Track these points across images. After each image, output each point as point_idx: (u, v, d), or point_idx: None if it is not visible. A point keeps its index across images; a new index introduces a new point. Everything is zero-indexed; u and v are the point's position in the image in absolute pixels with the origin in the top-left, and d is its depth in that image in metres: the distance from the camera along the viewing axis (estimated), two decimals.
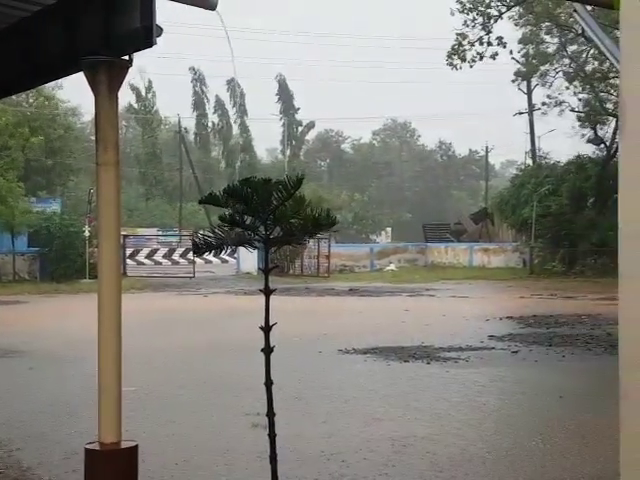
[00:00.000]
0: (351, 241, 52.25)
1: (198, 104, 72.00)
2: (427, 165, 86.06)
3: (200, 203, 4.94)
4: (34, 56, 5.01)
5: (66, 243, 30.90)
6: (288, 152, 72.79)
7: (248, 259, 35.06)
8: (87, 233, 30.67)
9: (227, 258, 38.98)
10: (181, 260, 37.29)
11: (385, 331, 15.43)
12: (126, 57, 4.44)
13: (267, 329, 5.03)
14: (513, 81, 40.08)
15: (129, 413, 8.06)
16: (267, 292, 5.05)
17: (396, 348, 12.83)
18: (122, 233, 40.09)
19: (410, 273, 36.62)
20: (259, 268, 30.36)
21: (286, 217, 4.87)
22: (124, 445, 4.44)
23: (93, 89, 4.43)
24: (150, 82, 67.03)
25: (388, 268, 39.45)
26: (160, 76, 68.94)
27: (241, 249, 38.65)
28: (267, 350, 5.03)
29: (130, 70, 4.45)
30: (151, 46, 4.38)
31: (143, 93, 67.42)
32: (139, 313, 19.31)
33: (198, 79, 71.63)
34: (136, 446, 4.50)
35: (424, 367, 11.13)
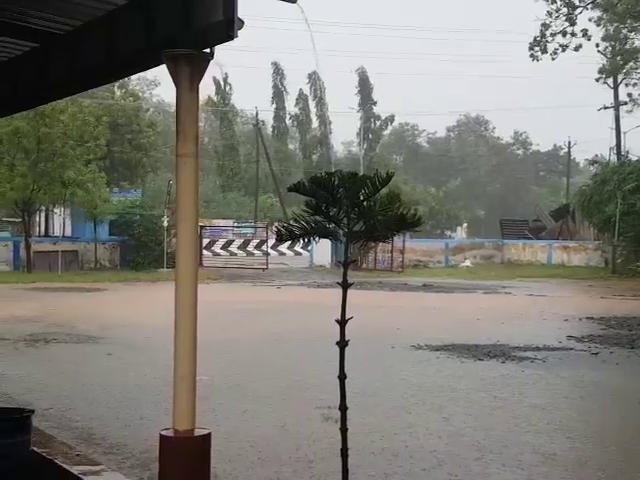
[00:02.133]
0: (426, 236, 51.84)
1: (277, 97, 72.54)
2: (504, 159, 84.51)
3: (289, 191, 4.99)
4: (116, 49, 5.12)
5: (146, 232, 31.64)
6: (365, 145, 72.62)
7: (322, 252, 35.26)
8: (166, 223, 31.33)
9: (300, 251, 39.26)
10: (255, 251, 37.69)
11: (459, 328, 15.26)
12: (207, 50, 4.49)
13: (343, 323, 5.01)
14: (597, 79, 38.89)
15: (202, 402, 8.28)
16: (345, 285, 5.04)
17: (470, 346, 12.66)
18: (199, 224, 41.16)
19: (486, 270, 36.12)
20: (338, 261, 30.55)
21: (372, 212, 4.88)
22: (197, 433, 4.51)
23: (175, 82, 4.49)
24: (227, 75, 67.90)
25: (463, 264, 38.99)
26: (239, 69, 69.80)
27: (315, 242, 38.89)
28: (342, 344, 5.01)
29: (211, 63, 4.51)
30: (232, 39, 4.41)
31: (222, 86, 68.37)
32: (213, 303, 19.65)
33: (278, 72, 72.16)
34: (209, 434, 4.56)
35: (499, 366, 10.95)
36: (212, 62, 4.53)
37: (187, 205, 4.56)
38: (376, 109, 74.10)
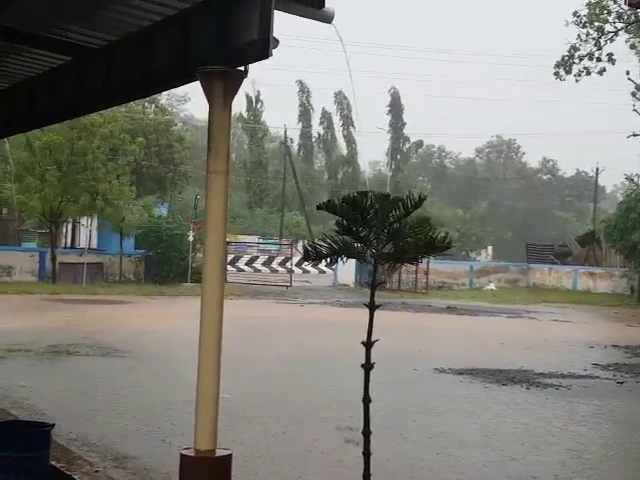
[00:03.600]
0: (451, 258, 51.53)
1: (304, 115, 72.82)
2: (531, 184, 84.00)
3: (318, 209, 4.94)
4: (151, 65, 5.14)
5: (171, 246, 31.75)
6: (392, 166, 72.55)
7: (346, 271, 35.14)
8: (191, 238, 31.42)
9: (325, 269, 39.18)
10: (280, 269, 37.65)
11: (483, 352, 15.09)
12: (242, 67, 4.48)
13: (369, 345, 4.96)
14: (634, 106, 38.49)
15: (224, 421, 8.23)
16: (372, 307, 4.99)
17: (494, 370, 12.50)
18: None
19: (510, 294, 35.78)
20: (364, 282, 30.33)
21: (402, 234, 4.83)
22: (219, 453, 4.46)
23: (208, 98, 4.49)
24: (259, 92, 68.33)
25: (488, 287, 38.66)
26: (268, 86, 70.27)
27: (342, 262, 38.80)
28: (367, 366, 4.95)
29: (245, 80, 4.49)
30: (267, 57, 4.40)
31: (253, 103, 68.81)
32: (237, 319, 19.64)
33: (304, 91, 72.50)
34: (230, 455, 4.50)
35: (523, 392, 10.78)
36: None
37: (216, 221, 4.54)
38: (405, 130, 74.08)
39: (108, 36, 5.56)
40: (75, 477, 5.59)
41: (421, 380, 11.67)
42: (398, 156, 73.42)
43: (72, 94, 6.28)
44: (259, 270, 38.02)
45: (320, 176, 74.98)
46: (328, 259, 4.93)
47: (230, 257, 36.90)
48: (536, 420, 8.98)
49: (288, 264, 36.66)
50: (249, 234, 51.75)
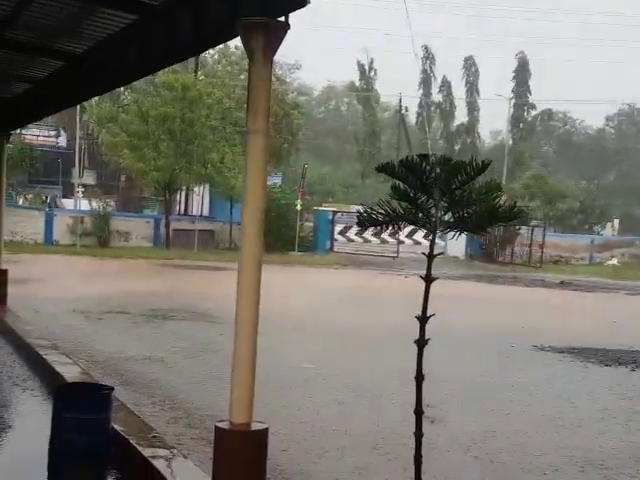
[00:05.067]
0: (572, 231, 49.53)
1: (425, 83, 71.43)
2: None
3: (377, 171, 4.62)
4: (202, 20, 4.93)
5: (279, 215, 31.97)
6: (514, 135, 70.18)
7: (456, 243, 34.39)
8: (299, 207, 31.52)
9: (438, 240, 38.43)
10: (390, 239, 37.27)
11: (592, 330, 14.32)
12: (282, 18, 4.21)
13: (423, 320, 4.63)
14: None
15: (292, 390, 8.07)
16: (428, 279, 4.65)
17: (599, 350, 11.79)
18: (332, 209, 40.74)
19: (634, 269, 33.96)
20: (469, 254, 29.61)
21: (463, 202, 4.51)
22: (254, 427, 4.28)
23: (248, 53, 4.26)
24: (372, 60, 67.61)
25: (609, 262, 36.88)
26: (386, 53, 69.30)
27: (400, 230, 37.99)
28: (421, 342, 4.62)
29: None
30: (304, 5, 4.12)
31: (366, 71, 68.20)
32: (337, 289, 19.57)
33: (428, 57, 70.97)
34: (266, 429, 4.32)
35: (625, 374, 10.10)
36: (361, 47, 4.25)
37: (255, 182, 4.33)
38: (530, 97, 71.39)
39: None
40: (131, 441, 5.56)
41: (516, 358, 11.14)
42: (521, 124, 70.93)
43: (137, 55, 6.20)
44: (369, 241, 37.76)
45: (437, 145, 73.64)
46: (385, 226, 4.70)
47: (340, 227, 36.85)
48: (630, 404, 8.37)
49: (398, 235, 36.28)
50: (361, 204, 51.50)
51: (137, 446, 5.46)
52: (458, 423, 7.02)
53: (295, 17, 4.16)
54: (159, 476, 4.97)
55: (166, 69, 34.45)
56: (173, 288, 17.78)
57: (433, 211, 4.53)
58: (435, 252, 4.72)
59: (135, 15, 6.09)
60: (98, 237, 29.85)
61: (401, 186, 4.53)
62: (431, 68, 71.03)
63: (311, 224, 35.37)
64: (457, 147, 69.66)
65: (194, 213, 33.81)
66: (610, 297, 22.20)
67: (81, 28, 6.94)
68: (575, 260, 37.88)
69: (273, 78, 30.25)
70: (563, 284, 25.04)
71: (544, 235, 34.45)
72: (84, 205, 34.35)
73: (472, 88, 70.40)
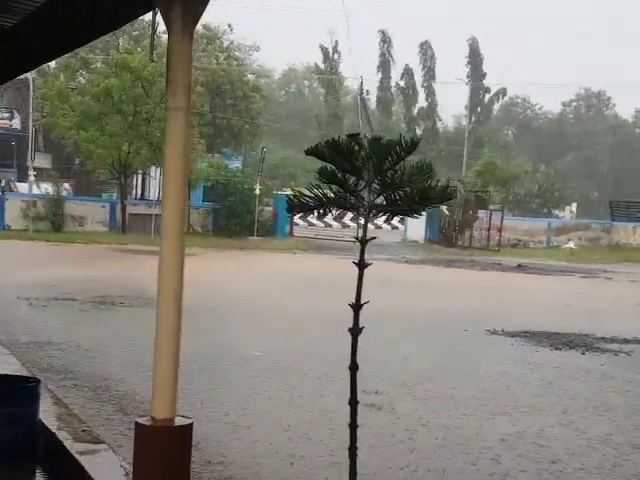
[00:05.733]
0: (531, 215, 49.93)
1: (383, 66, 71.28)
2: (622, 139, 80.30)
3: (306, 154, 4.37)
4: None
5: (239, 200, 31.63)
6: (473, 119, 70.50)
7: (415, 227, 34.50)
8: (258, 191, 31.21)
9: (397, 225, 38.60)
10: (351, 224, 37.17)
11: (545, 313, 14.32)
12: None
13: (357, 307, 4.42)
14: None
15: (240, 377, 7.86)
16: (361, 265, 4.47)
17: (551, 333, 11.76)
18: (288, 193, 40.68)
19: (590, 252, 34.29)
20: (429, 238, 29.67)
21: (394, 184, 4.33)
22: (178, 422, 4.03)
23: (167, 25, 3.96)
24: (336, 42, 67.19)
25: (566, 246, 37.22)
26: (346, 37, 68.81)
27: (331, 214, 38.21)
28: (355, 331, 4.42)
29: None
30: None
31: (330, 54, 67.72)
32: (287, 273, 19.39)
33: (385, 41, 70.82)
34: (191, 424, 4.07)
35: (575, 357, 10.05)
36: (327, 29, 3.97)
37: (175, 162, 4.03)
38: (486, 81, 71.73)
39: None
40: (58, 436, 5.29)
41: (469, 342, 11.05)
42: (479, 109, 71.21)
43: (65, 27, 5.87)
44: (330, 225, 37.60)
45: (398, 129, 73.59)
46: (315, 211, 4.51)
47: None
48: (572, 387, 8.29)
49: (360, 219, 36.16)
50: (291, 189, 51.30)
51: (64, 440, 5.20)
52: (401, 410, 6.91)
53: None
54: (84, 473, 4.72)
55: (122, 49, 33.81)
56: (125, 274, 17.41)
57: (364, 194, 4.37)
58: (397, 237, 4.51)
59: None
60: (51, 222, 29.23)
61: (329, 168, 4.35)
62: (389, 52, 70.85)
63: (271, 208, 35.14)
64: (419, 131, 69.68)
65: (151, 197, 33.31)
66: (565, 280, 22.33)
67: (9, 1, 6.60)
68: (533, 243, 38.16)
69: (231, 59, 29.93)
70: (520, 267, 25.14)
71: (502, 219, 34.63)
72: (42, 189, 33.66)
73: (429, 73, 70.44)
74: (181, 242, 4.09)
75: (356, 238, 4.56)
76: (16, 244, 24.12)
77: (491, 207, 36.10)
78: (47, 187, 31.81)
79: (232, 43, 48.75)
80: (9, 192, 36.42)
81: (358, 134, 4.37)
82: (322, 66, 68.25)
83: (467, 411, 7.04)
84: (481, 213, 35.17)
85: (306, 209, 4.46)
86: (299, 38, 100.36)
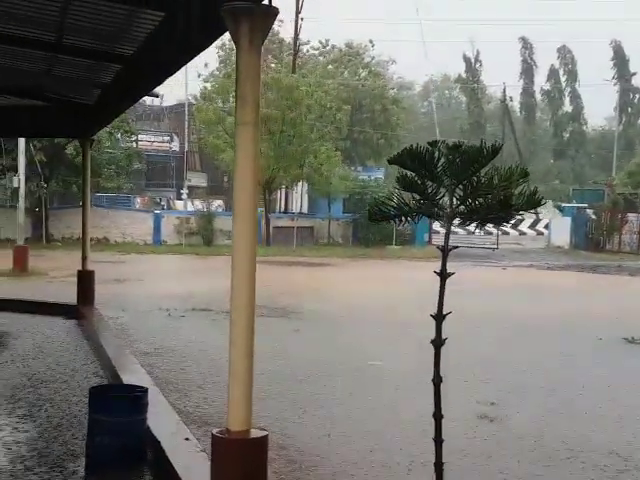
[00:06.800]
0: None
1: (526, 72, 69.21)
2: None
3: (389, 163, 4.26)
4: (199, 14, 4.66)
5: None
6: (623, 119, 66.89)
7: (560, 232, 33.07)
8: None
9: (543, 230, 37.16)
10: (494, 230, 36.23)
11: None
12: (266, 2, 3.86)
13: (440, 317, 4.21)
14: None
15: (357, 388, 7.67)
16: (443, 275, 4.24)
17: None
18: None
19: None
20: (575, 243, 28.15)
21: (478, 191, 4.12)
22: (253, 434, 3.96)
23: (235, 41, 3.93)
24: (478, 52, 66.06)
25: None
26: (488, 44, 67.49)
27: (553, 221, 36.64)
28: (437, 342, 4.20)
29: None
30: None
31: (472, 63, 66.67)
32: (417, 282, 18.95)
33: (526, 47, 68.83)
34: (266, 436, 4.00)
35: None
36: (467, 38, 3.90)
37: (245, 175, 4.00)
38: (635, 81, 67.83)
39: None
40: (162, 444, 5.35)
41: (601, 350, 10.35)
42: (629, 109, 67.42)
43: (174, 48, 6.03)
44: (472, 232, 36.71)
45: (544, 135, 71.01)
46: (397, 219, 4.37)
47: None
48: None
49: (504, 227, 35.38)
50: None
51: (166, 448, 5.25)
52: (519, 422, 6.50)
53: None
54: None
55: (267, 70, 34.76)
56: (263, 284, 17.66)
57: (445, 201, 4.17)
58: (542, 243, 4.28)
59: (162, 12, 5.92)
60: (202, 236, 30.31)
61: (409, 175, 4.18)
62: (531, 57, 68.83)
63: None
64: (566, 135, 67.09)
65: (294, 210, 33.89)
66: None
67: (126, 31, 6.86)
68: None
69: (371, 74, 30.09)
70: None
71: None
72: (195, 206, 35.11)
73: (571, 76, 67.81)
74: (252, 251, 4.04)
75: (438, 247, 4.33)
76: (169, 258, 25.21)
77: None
78: (198, 204, 33.09)
79: (373, 59, 49.05)
80: (168, 209, 38.29)
81: (437, 141, 4.20)
82: (465, 76, 67.23)
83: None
84: (631, 216, 33.17)
85: (387, 217, 4.35)
86: (435, 50, 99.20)
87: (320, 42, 47.12)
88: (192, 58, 5.82)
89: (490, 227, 36.59)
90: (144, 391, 5.51)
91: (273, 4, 3.86)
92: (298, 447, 5.61)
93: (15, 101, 10.02)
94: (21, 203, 20.49)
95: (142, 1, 5.89)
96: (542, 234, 36.73)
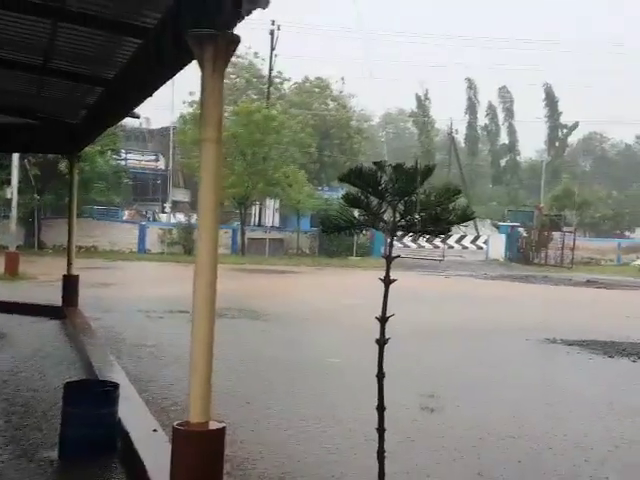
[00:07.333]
0: (604, 235, 47.40)
1: (470, 109, 70.44)
2: None
3: (339, 181, 4.21)
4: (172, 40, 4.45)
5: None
6: (551, 152, 68.40)
7: (497, 247, 33.42)
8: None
9: (483, 245, 37.47)
10: (440, 245, 36.42)
11: (604, 324, 13.24)
12: (232, 31, 3.68)
13: (383, 319, 4.07)
14: None
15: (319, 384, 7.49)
16: (387, 282, 4.09)
17: (607, 342, 10.82)
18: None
19: None
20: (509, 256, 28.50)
21: (416, 207, 4.06)
22: (212, 426, 3.74)
23: (200, 65, 3.74)
24: (427, 90, 67.02)
25: (635, 263, 34.93)
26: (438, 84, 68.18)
27: (491, 238, 37.07)
28: (381, 341, 4.07)
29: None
30: (243, 18, 3.60)
31: (422, 100, 67.52)
32: (372, 288, 18.87)
33: (471, 87, 70.21)
34: (224, 428, 3.78)
35: (624, 364, 9.17)
36: (418, 79, 3.76)
37: (208, 191, 3.79)
38: (562, 118, 69.34)
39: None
40: (130, 435, 5.09)
41: (526, 350, 10.31)
42: (557, 143, 68.79)
43: (147, 75, 5.80)
44: (423, 246, 36.89)
45: (484, 164, 72.03)
46: (348, 231, 4.27)
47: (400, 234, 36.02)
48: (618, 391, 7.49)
49: (450, 240, 35.63)
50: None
51: (134, 439, 5.00)
52: (454, 412, 6.37)
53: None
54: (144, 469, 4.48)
55: (244, 99, 34.40)
56: (237, 289, 17.41)
57: (386, 216, 4.08)
58: (481, 256, 4.16)
59: (140, 39, 5.71)
60: (183, 246, 29.90)
61: (353, 192, 4.10)
62: (475, 96, 70.11)
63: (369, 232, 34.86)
64: (503, 164, 68.22)
65: (267, 224, 33.65)
66: (628, 294, 20.81)
67: (108, 55, 6.64)
68: (604, 262, 36.07)
69: (340, 106, 30.06)
70: (588, 282, 23.65)
71: (574, 239, 32.97)
72: (177, 219, 34.63)
73: (509, 113, 69.40)
74: (214, 262, 3.84)
75: (385, 256, 4.20)
76: (151, 265, 24.76)
77: (564, 229, 34.58)
78: (179, 216, 32.69)
79: (341, 92, 49.39)
80: (153, 221, 37.78)
81: (382, 161, 4.13)
82: (416, 110, 68.03)
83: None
84: (556, 234, 33.74)
85: (338, 229, 4.26)
86: (393, 86, 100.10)
87: (289, 78, 47.50)
88: (166, 81, 5.60)
89: (438, 242, 36.91)
90: (115, 386, 5.29)
91: (235, 33, 3.67)
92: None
93: (7, 119, 9.69)
94: (13, 212, 19.82)
95: (121, 29, 5.68)
96: (482, 248, 36.99)
